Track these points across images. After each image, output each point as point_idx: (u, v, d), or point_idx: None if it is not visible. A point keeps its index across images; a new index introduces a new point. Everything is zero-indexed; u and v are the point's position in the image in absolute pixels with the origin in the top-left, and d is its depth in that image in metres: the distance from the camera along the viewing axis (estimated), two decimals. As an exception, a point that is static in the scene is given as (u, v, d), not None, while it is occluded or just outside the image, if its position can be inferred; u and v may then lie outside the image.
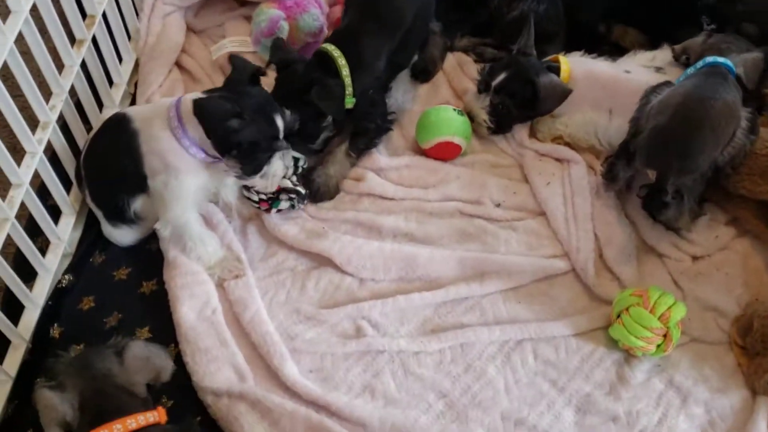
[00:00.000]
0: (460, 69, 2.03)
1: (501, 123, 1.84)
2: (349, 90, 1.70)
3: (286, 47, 1.77)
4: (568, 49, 1.90)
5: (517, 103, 1.79)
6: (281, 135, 1.58)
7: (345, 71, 1.69)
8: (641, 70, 1.78)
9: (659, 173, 1.56)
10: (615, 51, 1.96)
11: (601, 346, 1.54)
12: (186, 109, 1.55)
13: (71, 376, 1.27)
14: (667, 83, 1.67)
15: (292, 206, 1.72)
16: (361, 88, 1.72)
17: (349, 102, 1.71)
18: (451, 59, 2.05)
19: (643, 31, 2.03)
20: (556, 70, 1.78)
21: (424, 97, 1.99)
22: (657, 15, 1.97)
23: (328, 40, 1.78)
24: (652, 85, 1.65)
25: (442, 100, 1.96)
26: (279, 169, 1.60)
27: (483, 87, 1.84)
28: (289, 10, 1.99)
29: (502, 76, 1.79)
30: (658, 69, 1.78)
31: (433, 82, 2.02)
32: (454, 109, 1.84)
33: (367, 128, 1.80)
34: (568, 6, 1.97)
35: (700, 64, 1.65)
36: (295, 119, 1.62)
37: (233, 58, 1.65)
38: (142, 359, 1.33)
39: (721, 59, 1.63)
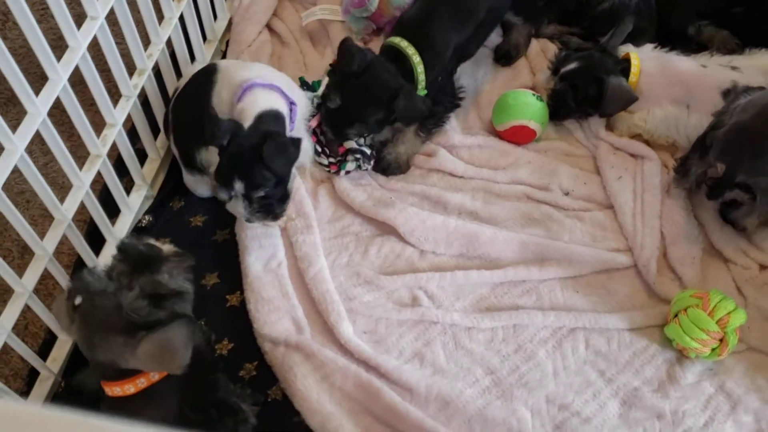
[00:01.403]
0: (543, 55, 2.02)
1: (556, 111, 1.84)
2: (421, 85, 1.71)
3: (352, 47, 1.65)
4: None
5: (579, 96, 1.79)
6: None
7: (420, 68, 1.69)
8: (717, 68, 1.75)
9: (728, 167, 1.52)
10: (698, 51, 1.91)
11: (655, 344, 1.54)
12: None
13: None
14: (762, 88, 1.63)
15: (359, 167, 1.77)
16: (431, 77, 1.73)
17: (421, 92, 1.73)
18: (536, 45, 2.05)
19: (735, 34, 1.99)
20: (627, 67, 1.76)
21: (504, 80, 2.00)
22: (754, 17, 1.92)
23: (395, 30, 1.76)
24: (745, 85, 1.61)
25: (522, 84, 1.97)
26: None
27: (554, 69, 1.84)
28: (380, -17, 2.02)
29: (572, 66, 1.79)
30: (734, 68, 1.74)
31: (514, 66, 2.02)
32: (533, 94, 1.84)
33: (435, 111, 1.80)
34: (661, 3, 1.94)
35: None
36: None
37: (342, 44, 1.65)
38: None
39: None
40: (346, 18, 2.06)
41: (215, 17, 2.09)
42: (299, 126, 1.71)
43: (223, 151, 1.50)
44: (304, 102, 1.75)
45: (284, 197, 1.57)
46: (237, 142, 1.48)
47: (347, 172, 1.78)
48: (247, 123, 1.52)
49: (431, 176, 1.82)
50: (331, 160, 1.77)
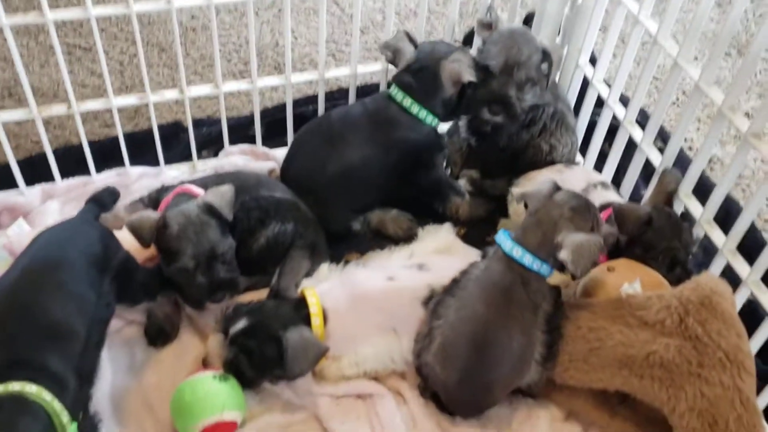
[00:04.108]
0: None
1: (240, 381, 1.43)
2: None
3: None
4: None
5: (256, 362, 1.40)
6: None
7: None
8: (405, 273, 1.54)
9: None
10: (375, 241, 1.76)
11: None
12: None
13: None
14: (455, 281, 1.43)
15: None
16: None
17: None
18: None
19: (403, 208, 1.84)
20: (306, 312, 1.45)
21: (170, 363, 1.53)
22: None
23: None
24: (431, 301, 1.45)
25: (194, 359, 1.51)
26: None
27: (223, 330, 1.45)
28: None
29: (241, 324, 1.40)
30: (421, 266, 1.56)
31: (178, 341, 1.58)
32: (214, 375, 1.41)
33: None
34: (319, 216, 1.71)
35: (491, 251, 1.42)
36: None
37: None
38: None
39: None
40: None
41: None
42: None
43: None
44: None
45: None
46: None
47: None
48: None
49: None
50: None
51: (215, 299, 1.52)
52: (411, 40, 1.77)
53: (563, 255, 1.30)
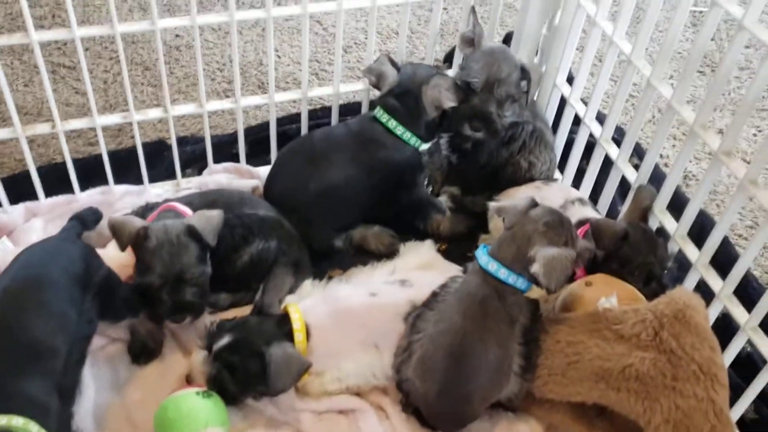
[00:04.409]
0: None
1: (223, 397, 1.43)
2: None
3: None
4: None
5: (239, 378, 1.41)
6: None
7: None
8: (387, 289, 1.56)
9: None
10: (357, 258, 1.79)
11: None
12: None
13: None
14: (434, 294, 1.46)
15: None
16: None
17: None
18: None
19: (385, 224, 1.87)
20: (289, 328, 1.46)
21: (153, 380, 1.54)
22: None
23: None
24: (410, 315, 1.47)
25: (178, 376, 1.53)
26: None
27: (207, 346, 1.46)
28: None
29: (225, 340, 1.41)
30: (403, 282, 1.58)
31: (161, 359, 1.59)
32: (197, 392, 1.42)
33: None
34: (302, 233, 1.73)
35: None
36: None
37: None
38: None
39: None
40: None
41: None
42: None
43: None
44: None
45: None
46: None
47: None
48: None
49: None
50: None
51: (175, 319, 1.53)
52: (393, 63, 1.81)
53: (535, 268, 1.33)
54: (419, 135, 1.79)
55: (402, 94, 1.77)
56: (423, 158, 1.84)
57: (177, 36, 2.59)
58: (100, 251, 1.52)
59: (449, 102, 1.74)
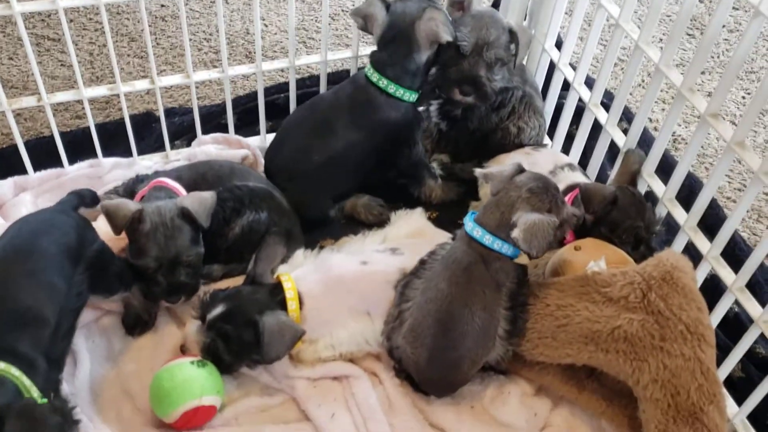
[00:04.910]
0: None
1: (218, 366, 1.46)
2: None
3: None
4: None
5: (233, 347, 1.43)
6: None
7: None
8: (378, 257, 1.57)
9: None
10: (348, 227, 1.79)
11: None
12: None
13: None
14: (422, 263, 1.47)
15: None
16: None
17: None
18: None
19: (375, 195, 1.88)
20: (282, 297, 1.47)
21: (149, 352, 1.56)
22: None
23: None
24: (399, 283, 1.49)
25: (172, 347, 1.54)
26: None
27: (200, 316, 1.47)
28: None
29: (218, 310, 1.43)
30: (394, 250, 1.59)
31: (154, 331, 1.60)
32: (192, 361, 1.43)
33: None
34: (295, 204, 1.73)
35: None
36: None
37: None
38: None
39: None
40: None
41: None
42: None
43: None
44: None
45: None
46: None
47: None
48: None
49: None
50: None
51: (171, 300, 1.54)
52: (383, 2, 1.71)
53: (515, 234, 1.33)
54: (412, 87, 1.74)
55: (392, 39, 1.70)
56: (420, 114, 1.82)
57: (162, 6, 2.55)
58: (94, 224, 1.52)
59: (445, 35, 1.68)
